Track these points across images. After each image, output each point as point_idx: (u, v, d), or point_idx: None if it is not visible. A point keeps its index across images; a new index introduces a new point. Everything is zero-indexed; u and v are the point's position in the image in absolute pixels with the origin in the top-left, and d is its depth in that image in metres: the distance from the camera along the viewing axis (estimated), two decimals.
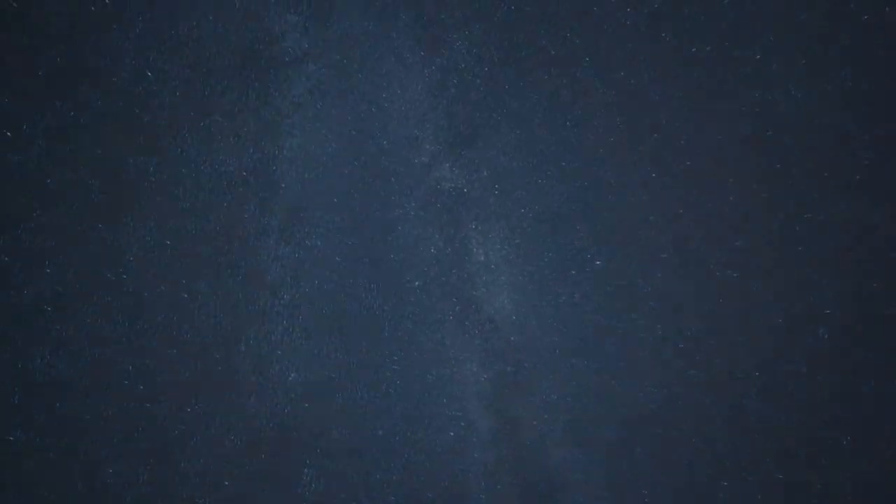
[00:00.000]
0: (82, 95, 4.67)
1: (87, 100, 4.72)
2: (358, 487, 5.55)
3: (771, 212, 5.95)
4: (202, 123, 4.86)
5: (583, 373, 6.07)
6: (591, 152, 5.76)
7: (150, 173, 4.82)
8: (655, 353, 6.16)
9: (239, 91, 5.09)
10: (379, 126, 5.41)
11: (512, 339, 5.89)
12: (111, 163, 4.90)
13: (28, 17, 4.51)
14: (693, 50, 5.65)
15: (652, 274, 6.07)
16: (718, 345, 6.16)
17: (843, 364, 5.70)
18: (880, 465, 5.68)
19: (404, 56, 5.32)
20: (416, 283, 5.67)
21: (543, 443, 6.05)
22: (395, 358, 5.67)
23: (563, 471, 6.08)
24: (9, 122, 4.53)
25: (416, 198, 5.60)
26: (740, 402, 6.14)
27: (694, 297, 6.11)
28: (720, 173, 5.93)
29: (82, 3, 4.58)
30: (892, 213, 5.60)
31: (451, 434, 5.82)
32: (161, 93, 4.79)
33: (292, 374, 5.47)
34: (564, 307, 5.94)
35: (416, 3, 5.28)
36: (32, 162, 4.65)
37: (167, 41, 4.73)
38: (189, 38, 4.71)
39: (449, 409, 5.79)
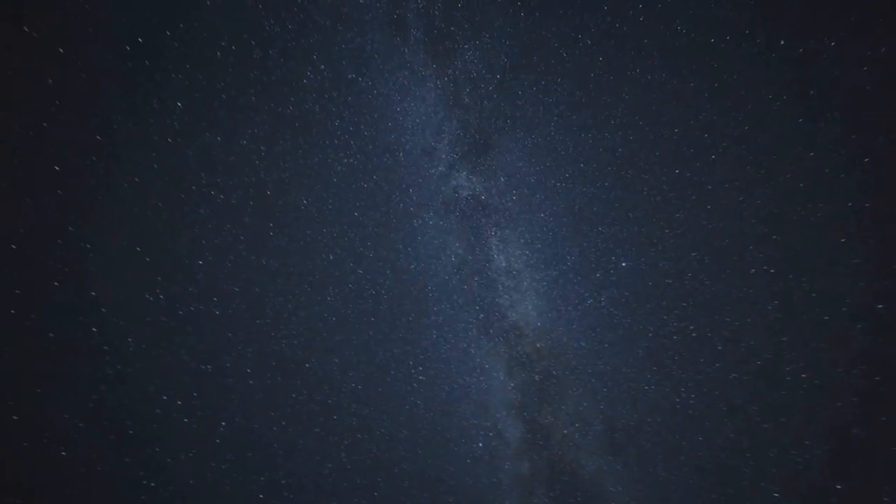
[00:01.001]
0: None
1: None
2: (387, 499, 5.49)
3: (811, 202, 5.59)
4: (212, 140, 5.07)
5: (614, 379, 5.82)
6: (610, 152, 5.61)
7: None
8: (692, 356, 5.84)
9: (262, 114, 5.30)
10: (395, 139, 5.48)
11: (538, 345, 5.74)
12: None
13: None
14: (712, 41, 5.45)
15: (682, 273, 5.79)
16: (762, 345, 5.77)
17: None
18: None
19: (417, 70, 5.40)
20: (438, 293, 5.64)
21: (577, 452, 5.81)
22: (421, 368, 5.62)
23: (599, 481, 5.80)
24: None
25: (434, 207, 5.61)
26: (792, 404, 5.71)
27: (730, 295, 5.77)
28: (751, 164, 5.64)
29: None
30: None
31: (480, 444, 5.68)
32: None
33: (324, 386, 5.51)
34: (591, 311, 5.74)
35: (427, 18, 5.37)
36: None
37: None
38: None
39: (477, 419, 5.67)
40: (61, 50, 4.96)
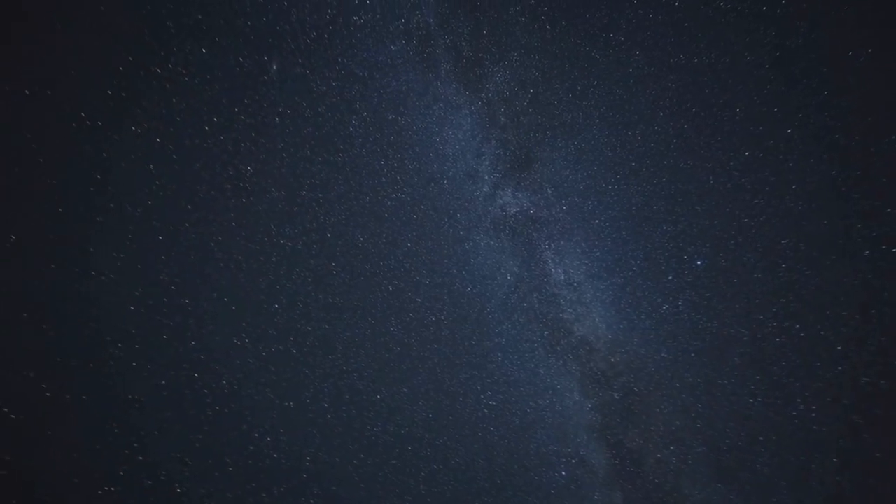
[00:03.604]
0: None
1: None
2: None
3: None
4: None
5: (710, 392, 4.96)
6: (663, 145, 5.05)
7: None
8: (803, 360, 4.83)
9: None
10: (438, 168, 5.44)
11: (612, 360, 5.11)
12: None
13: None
14: (764, 8, 4.80)
15: (774, 265, 4.90)
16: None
17: None
18: None
19: (451, 99, 5.39)
20: (498, 313, 5.32)
21: (678, 479, 4.96)
22: (489, 393, 5.26)
23: None
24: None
25: (483, 228, 5.40)
26: None
27: (842, 284, 4.75)
28: (840, 132, 4.75)
29: None
30: None
31: (563, 472, 5.08)
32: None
33: (396, 417, 5.37)
34: (668, 318, 5.03)
35: (455, 51, 5.39)
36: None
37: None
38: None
39: (556, 445, 5.11)
40: (158, 140, 5.69)
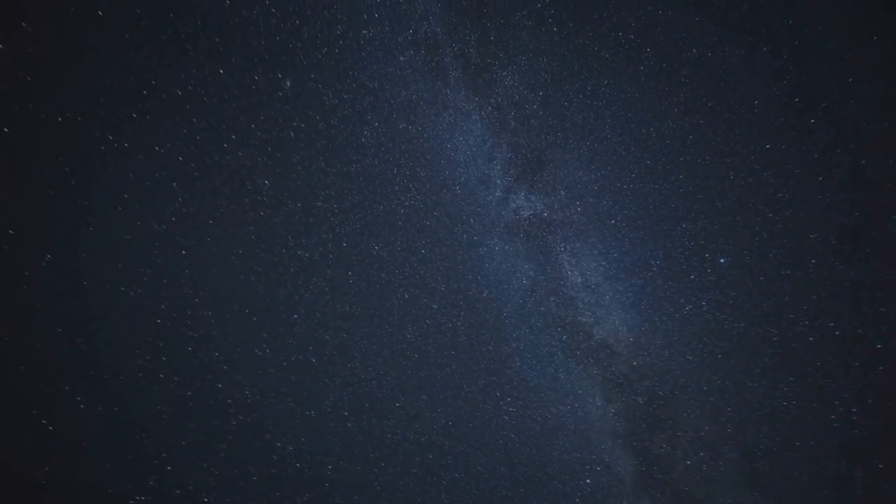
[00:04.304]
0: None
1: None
2: None
3: None
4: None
5: (739, 395, 4.73)
6: (679, 141, 4.89)
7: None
8: (841, 359, 4.56)
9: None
10: (449, 175, 5.42)
11: (635, 363, 4.93)
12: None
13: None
14: None
15: (803, 261, 4.66)
16: None
17: None
18: None
19: (461, 106, 5.37)
20: (515, 318, 5.22)
21: (709, 487, 4.72)
22: (509, 399, 5.14)
23: None
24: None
25: (497, 233, 5.33)
26: None
27: (879, 279, 4.48)
28: (868, 120, 4.52)
29: None
30: None
31: (588, 480, 4.90)
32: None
33: (415, 424, 5.30)
34: (692, 319, 4.83)
35: (463, 58, 5.38)
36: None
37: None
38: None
39: (579, 452, 4.94)
40: (181, 158, 5.86)
